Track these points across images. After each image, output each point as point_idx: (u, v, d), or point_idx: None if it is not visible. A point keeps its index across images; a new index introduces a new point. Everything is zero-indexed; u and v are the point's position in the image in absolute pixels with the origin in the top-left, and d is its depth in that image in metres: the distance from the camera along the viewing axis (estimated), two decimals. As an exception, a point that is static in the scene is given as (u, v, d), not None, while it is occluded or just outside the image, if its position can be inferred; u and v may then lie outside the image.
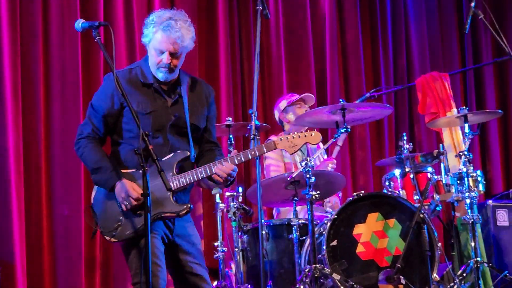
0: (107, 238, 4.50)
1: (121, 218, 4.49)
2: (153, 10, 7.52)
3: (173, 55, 4.58)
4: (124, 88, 4.43)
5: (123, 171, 4.53)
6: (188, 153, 4.62)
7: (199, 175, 4.54)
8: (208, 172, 4.54)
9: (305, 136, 4.62)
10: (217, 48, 7.98)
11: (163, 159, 4.51)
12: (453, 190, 6.50)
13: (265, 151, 4.60)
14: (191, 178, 4.54)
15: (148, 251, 4.08)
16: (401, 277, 5.67)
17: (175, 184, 4.52)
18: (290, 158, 6.87)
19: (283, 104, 7.07)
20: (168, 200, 4.51)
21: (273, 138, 6.91)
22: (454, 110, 7.52)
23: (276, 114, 7.12)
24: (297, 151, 4.64)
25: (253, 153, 4.57)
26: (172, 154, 4.57)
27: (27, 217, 6.62)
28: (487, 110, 8.48)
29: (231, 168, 4.54)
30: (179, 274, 4.69)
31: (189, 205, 4.55)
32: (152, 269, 4.31)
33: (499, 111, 7.02)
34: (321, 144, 7.16)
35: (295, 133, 4.63)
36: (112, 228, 4.48)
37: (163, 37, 4.54)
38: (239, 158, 4.55)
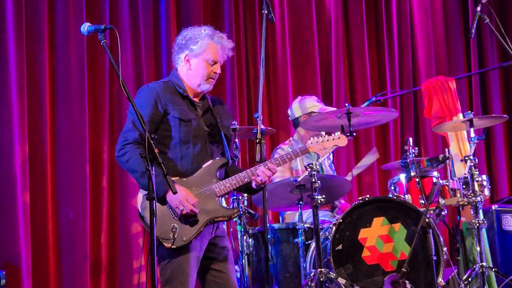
0: (167, 245, 4.53)
1: (175, 224, 4.54)
2: (158, 14, 7.57)
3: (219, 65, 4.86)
4: (168, 96, 4.67)
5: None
6: (226, 160, 4.79)
7: (244, 179, 4.70)
8: (252, 176, 4.70)
9: (333, 139, 4.88)
10: (223, 51, 7.98)
11: (203, 166, 4.66)
12: (459, 195, 6.49)
13: (300, 154, 4.84)
14: (236, 182, 4.70)
15: (153, 254, 4.10)
16: (406, 281, 5.67)
17: (221, 189, 4.67)
18: (297, 165, 6.86)
19: (306, 105, 6.98)
20: (218, 206, 4.67)
21: (282, 146, 6.92)
22: (460, 114, 7.51)
23: (293, 112, 7.05)
24: (327, 153, 4.91)
25: (289, 156, 4.79)
26: (211, 161, 4.72)
27: (33, 219, 6.62)
28: (493, 115, 8.48)
29: (274, 170, 4.72)
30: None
31: (238, 208, 4.68)
32: (182, 281, 4.54)
33: (505, 115, 7.01)
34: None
35: (325, 136, 4.88)
36: (169, 235, 4.53)
37: (219, 48, 4.80)
38: (277, 162, 4.74)
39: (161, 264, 4.64)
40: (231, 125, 5.02)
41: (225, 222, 6.40)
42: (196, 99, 4.85)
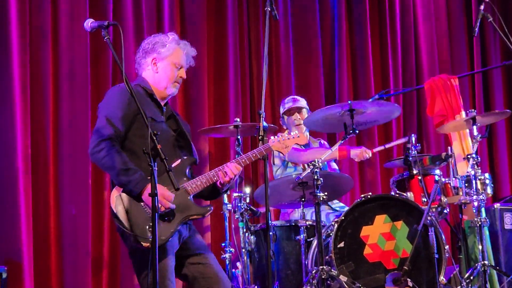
0: (145, 244, 4.50)
1: (151, 223, 4.50)
2: (162, 10, 7.58)
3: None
4: (139, 97, 4.59)
5: None
6: (194, 158, 4.85)
7: (213, 178, 4.75)
8: (220, 174, 4.75)
9: (293, 137, 5.00)
10: (226, 48, 7.99)
11: (172, 165, 4.64)
12: (461, 193, 6.48)
13: (264, 153, 4.89)
14: (206, 181, 4.73)
15: (155, 252, 4.10)
16: (408, 279, 5.67)
17: (193, 187, 4.70)
18: None
19: (282, 109, 7.18)
20: (191, 204, 4.69)
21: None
22: (463, 112, 7.50)
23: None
24: (288, 151, 5.04)
25: (254, 155, 4.84)
26: (179, 161, 4.75)
27: (35, 216, 6.63)
28: (496, 111, 8.46)
29: (239, 168, 4.77)
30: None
31: (211, 206, 4.77)
32: (165, 284, 4.50)
33: (508, 110, 6.96)
34: (324, 143, 7.18)
35: (285, 134, 5.00)
36: (147, 234, 4.51)
37: (184, 53, 4.90)
38: (243, 160, 4.80)
39: (140, 271, 4.63)
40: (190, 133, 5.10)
41: (228, 219, 6.46)
42: (161, 103, 4.91)
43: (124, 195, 4.58)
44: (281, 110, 7.17)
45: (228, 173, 4.73)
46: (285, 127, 7.12)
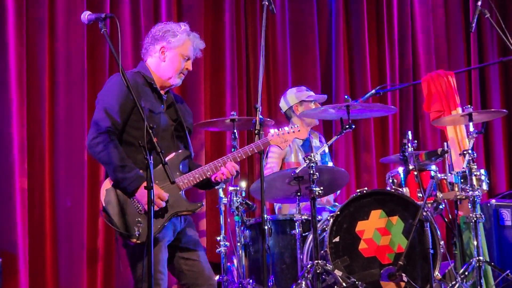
0: (132, 240, 4.51)
1: (139, 219, 4.52)
2: (159, 2, 7.56)
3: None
4: (138, 87, 4.63)
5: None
6: (189, 152, 4.81)
7: (207, 173, 4.71)
8: (215, 170, 4.73)
9: (293, 131, 4.94)
10: (223, 42, 7.98)
11: (166, 159, 4.57)
12: (457, 189, 6.48)
13: (262, 148, 4.85)
14: (199, 176, 4.70)
15: (150, 246, 4.10)
16: (403, 274, 5.67)
17: (185, 182, 4.67)
18: (291, 157, 6.87)
19: (294, 95, 7.05)
20: (182, 199, 4.66)
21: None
22: (459, 108, 7.50)
23: (284, 105, 7.10)
24: (287, 145, 5.02)
25: (251, 149, 4.81)
26: (174, 154, 4.72)
27: (30, 207, 6.63)
28: (492, 109, 8.47)
29: (236, 167, 4.77)
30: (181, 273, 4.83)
31: (202, 203, 4.78)
32: (156, 277, 4.47)
33: (504, 110, 7.00)
34: (324, 140, 7.17)
35: (285, 128, 4.95)
36: (134, 230, 4.51)
37: (193, 45, 4.87)
38: (239, 155, 4.78)
39: (132, 262, 4.63)
40: (192, 123, 5.08)
41: (223, 213, 6.46)
42: (162, 92, 4.87)
43: (114, 188, 4.58)
44: (298, 98, 7.09)
45: (224, 173, 4.72)
46: (295, 118, 7.02)
